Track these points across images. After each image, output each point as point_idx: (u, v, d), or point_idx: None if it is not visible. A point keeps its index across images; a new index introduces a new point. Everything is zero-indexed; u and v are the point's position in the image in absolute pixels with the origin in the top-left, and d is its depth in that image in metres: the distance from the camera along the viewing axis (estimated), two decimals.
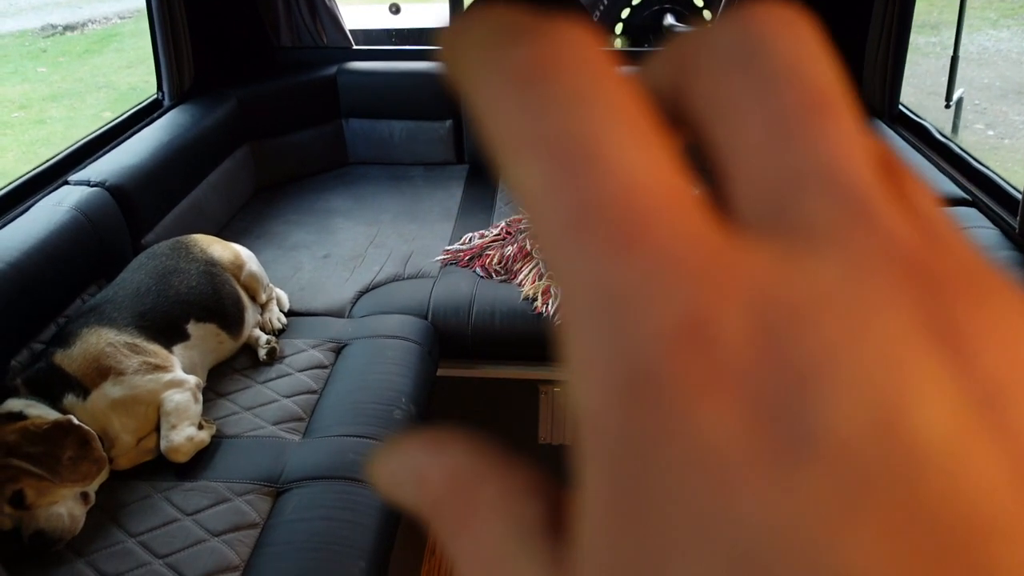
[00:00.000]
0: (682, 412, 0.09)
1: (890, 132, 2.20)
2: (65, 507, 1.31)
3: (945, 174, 1.94)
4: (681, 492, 0.08)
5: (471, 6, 0.13)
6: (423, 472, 0.12)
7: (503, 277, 2.12)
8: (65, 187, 1.86)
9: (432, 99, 2.73)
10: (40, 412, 1.38)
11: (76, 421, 1.37)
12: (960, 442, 0.08)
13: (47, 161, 1.91)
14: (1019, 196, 1.66)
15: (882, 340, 0.09)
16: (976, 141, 5.15)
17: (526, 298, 2.02)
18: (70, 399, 1.43)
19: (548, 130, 0.10)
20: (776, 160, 0.10)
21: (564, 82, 0.10)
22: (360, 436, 1.56)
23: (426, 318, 1.99)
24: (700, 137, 0.11)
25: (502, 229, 2.31)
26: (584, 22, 0.11)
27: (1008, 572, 0.08)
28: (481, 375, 2.02)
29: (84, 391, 1.44)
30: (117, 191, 1.88)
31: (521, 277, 2.10)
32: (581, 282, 0.09)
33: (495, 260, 2.17)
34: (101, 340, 1.50)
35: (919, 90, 5.97)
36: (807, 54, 0.10)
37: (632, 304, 0.09)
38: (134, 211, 1.92)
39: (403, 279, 2.13)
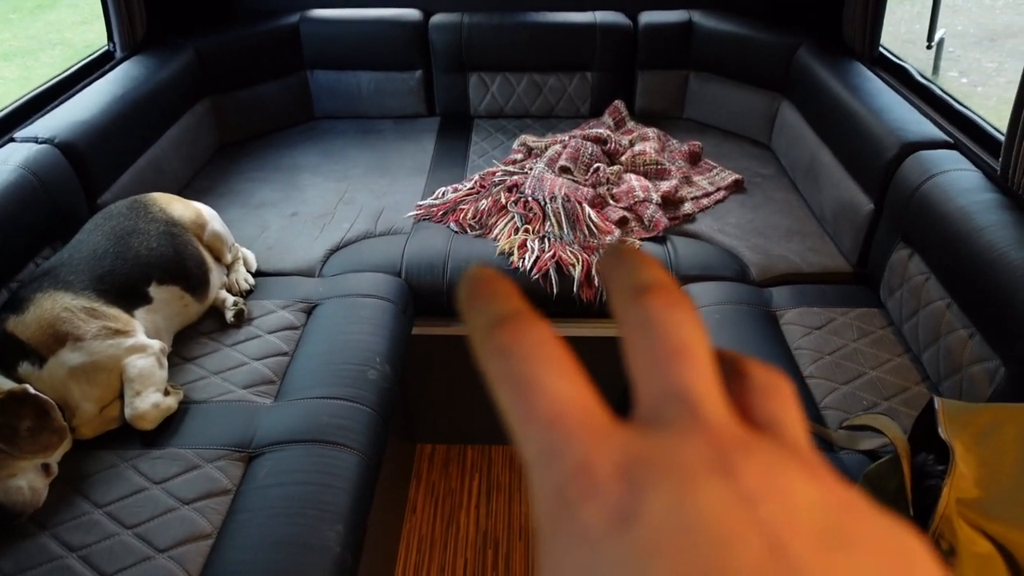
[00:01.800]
0: (575, 512, 0.16)
1: (870, 74, 2.15)
2: (25, 479, 1.25)
3: (927, 116, 1.91)
4: (573, 556, 0.15)
5: (469, 278, 0.20)
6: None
7: (478, 232, 2.06)
8: (11, 144, 1.75)
9: (400, 48, 2.62)
10: None
11: (32, 390, 1.31)
12: (729, 523, 0.14)
13: None
14: (1001, 138, 1.63)
15: (686, 470, 0.15)
16: (950, 88, 5.14)
17: (502, 252, 1.97)
18: (25, 367, 1.36)
19: (511, 373, 0.18)
20: (653, 384, 0.18)
21: (521, 349, 0.18)
22: (333, 398, 1.51)
23: (399, 275, 1.94)
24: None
25: (476, 183, 2.24)
26: (533, 314, 0.19)
27: None
28: (458, 332, 1.98)
29: (40, 359, 1.37)
30: (67, 148, 1.77)
31: (496, 231, 2.05)
32: (530, 447, 0.17)
33: (469, 215, 2.10)
34: (56, 305, 1.42)
35: (895, 38, 5.91)
36: (680, 321, 0.18)
37: (554, 455, 0.17)
38: (87, 169, 1.82)
39: (375, 236, 2.07)
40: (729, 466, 0.15)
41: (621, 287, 0.19)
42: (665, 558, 0.14)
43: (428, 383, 2.09)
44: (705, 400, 0.17)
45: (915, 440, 1.13)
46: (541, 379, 0.17)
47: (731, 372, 0.19)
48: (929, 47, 2.39)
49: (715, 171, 2.36)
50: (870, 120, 1.92)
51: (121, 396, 1.44)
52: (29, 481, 1.26)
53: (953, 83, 5.42)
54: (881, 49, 2.26)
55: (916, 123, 1.86)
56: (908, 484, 0.95)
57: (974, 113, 1.84)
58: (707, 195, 2.24)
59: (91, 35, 6.54)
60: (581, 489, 0.16)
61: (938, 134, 1.82)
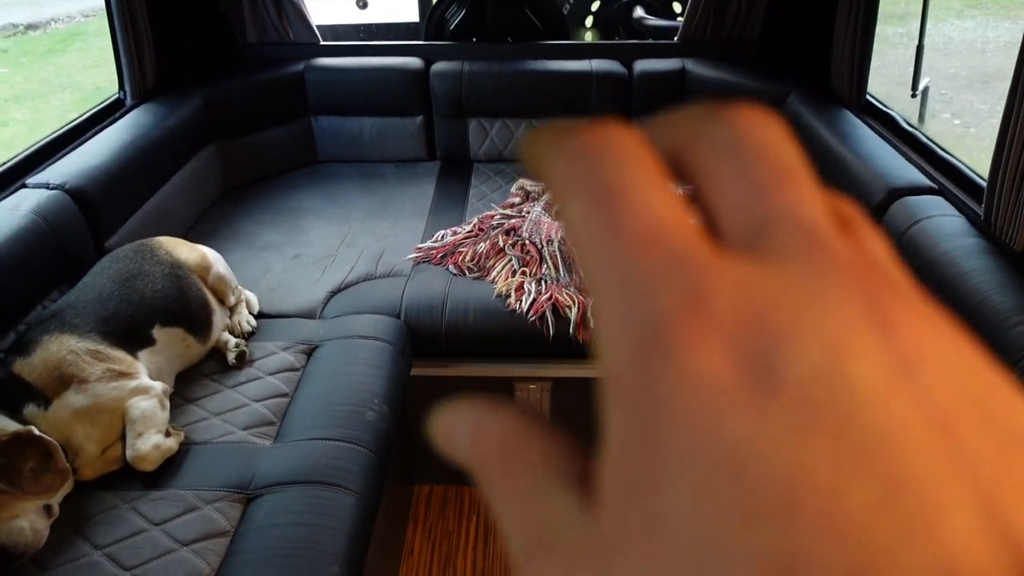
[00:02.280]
0: (684, 359, 0.12)
1: (857, 121, 2.21)
2: (27, 520, 1.27)
3: (912, 163, 1.96)
4: (682, 415, 0.12)
5: (537, 129, 0.17)
6: (479, 428, 0.16)
7: (476, 274, 2.11)
8: (23, 190, 1.80)
9: (402, 95, 2.70)
10: None
11: (37, 432, 1.33)
12: (884, 388, 0.12)
13: (3, 164, 1.85)
14: (984, 184, 1.68)
15: (832, 316, 0.12)
16: (943, 131, 5.22)
17: (499, 295, 2.01)
18: (31, 409, 1.39)
19: (589, 178, 0.14)
20: (753, 210, 0.14)
21: (602, 153, 0.14)
22: (332, 439, 1.53)
23: (399, 317, 1.97)
24: (695, 189, 0.15)
25: (475, 226, 2.29)
26: (620, 122, 0.15)
27: (914, 478, 0.11)
28: (456, 374, 2.01)
29: (45, 401, 1.40)
30: (77, 193, 1.83)
31: (494, 274, 2.09)
32: (609, 273, 0.13)
33: (468, 257, 2.15)
34: (62, 347, 1.46)
35: (888, 80, 6.04)
36: (773, 142, 0.15)
37: (647, 287, 0.13)
38: (96, 214, 1.87)
39: (375, 278, 2.11)
40: (883, 315, 0.12)
41: (688, 119, 0.16)
42: (818, 440, 0.11)
43: (426, 424, 2.10)
44: (824, 227, 0.14)
45: None
46: (636, 188, 0.14)
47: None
48: (914, 95, 2.46)
49: None
50: (857, 166, 1.98)
51: (123, 437, 1.46)
52: (31, 522, 1.28)
53: (946, 125, 5.51)
54: (868, 97, 2.33)
55: (902, 169, 1.92)
56: None
57: (957, 160, 1.89)
58: None
59: (101, 78, 6.69)
60: (696, 330, 0.12)
61: (923, 180, 1.87)
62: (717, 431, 0.11)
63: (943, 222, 1.69)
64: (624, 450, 0.12)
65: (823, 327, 0.12)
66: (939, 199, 1.79)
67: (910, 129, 2.10)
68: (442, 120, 2.74)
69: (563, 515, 0.13)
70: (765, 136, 0.15)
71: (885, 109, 2.22)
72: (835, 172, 2.06)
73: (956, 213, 1.73)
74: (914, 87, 2.42)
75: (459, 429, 0.16)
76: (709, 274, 0.13)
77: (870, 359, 0.12)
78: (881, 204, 1.83)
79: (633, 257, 0.13)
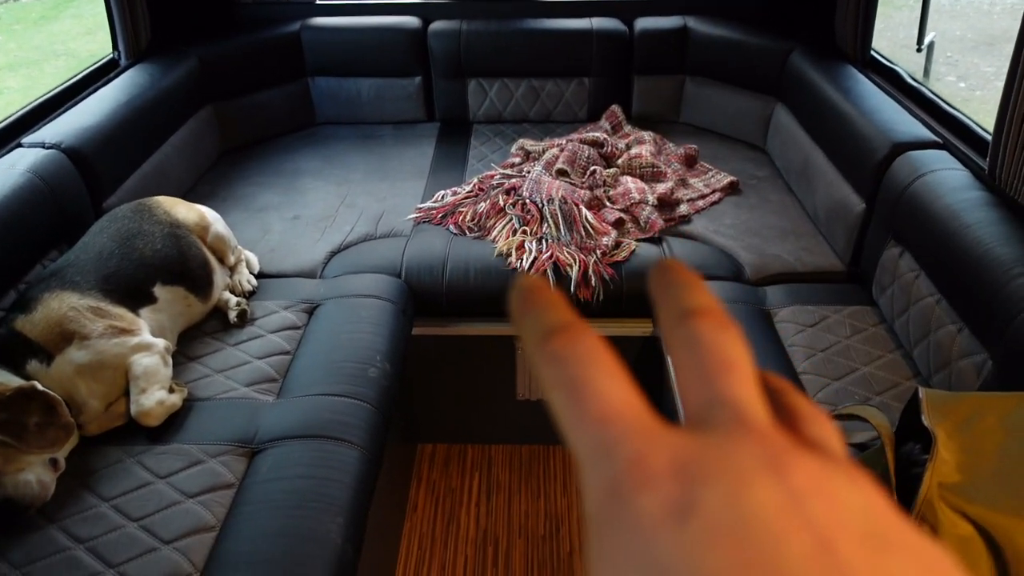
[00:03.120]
0: (629, 502, 0.16)
1: (861, 77, 2.18)
2: (33, 474, 1.29)
3: (917, 118, 1.94)
4: (628, 541, 0.16)
5: (519, 288, 0.22)
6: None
7: (476, 234, 2.10)
8: (18, 150, 1.79)
9: (400, 55, 2.66)
10: (2, 379, 1.34)
11: (40, 387, 1.34)
12: (774, 513, 0.15)
13: None
14: (988, 138, 1.66)
15: (738, 467, 0.16)
16: (948, 93, 5.16)
17: (500, 254, 2.00)
18: (33, 365, 1.39)
19: (565, 378, 0.19)
20: (701, 395, 0.19)
21: (575, 355, 0.19)
22: (334, 395, 1.54)
23: (399, 277, 1.97)
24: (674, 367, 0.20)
25: (474, 186, 2.28)
26: (583, 323, 0.20)
27: None
28: (457, 333, 2.01)
29: (48, 357, 1.41)
30: (73, 153, 1.81)
31: (495, 233, 2.08)
32: (582, 444, 0.18)
33: (468, 217, 2.14)
34: (63, 304, 1.46)
35: (893, 43, 5.96)
36: (727, 341, 0.20)
37: (606, 452, 0.17)
38: (93, 174, 1.86)
39: (375, 238, 2.10)
40: (780, 465, 0.16)
41: (670, 308, 0.21)
42: (720, 551, 0.15)
43: (428, 383, 2.11)
44: (753, 407, 0.18)
45: (903, 431, 1.16)
46: (595, 382, 0.19)
47: (776, 399, 0.20)
48: (919, 50, 2.42)
49: (711, 173, 2.39)
50: (861, 122, 1.96)
51: (127, 393, 1.47)
52: (37, 475, 1.29)
53: (952, 87, 5.45)
54: (873, 53, 2.29)
55: (906, 124, 1.90)
56: (892, 470, 0.98)
57: (962, 114, 1.87)
58: (703, 197, 2.27)
59: (95, 46, 6.61)
60: (637, 480, 0.16)
61: (927, 134, 1.85)
62: (652, 548, 0.15)
63: (947, 176, 1.68)
64: (597, 561, 0.17)
65: (731, 473, 0.16)
66: (943, 153, 1.78)
67: (915, 84, 2.07)
68: (441, 80, 2.70)
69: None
70: (718, 335, 0.20)
71: (890, 64, 2.19)
72: (839, 128, 2.04)
73: (960, 167, 1.72)
74: (919, 41, 2.38)
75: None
76: (649, 442, 0.17)
77: (764, 493, 0.15)
78: (885, 159, 1.82)
79: (596, 431, 0.18)
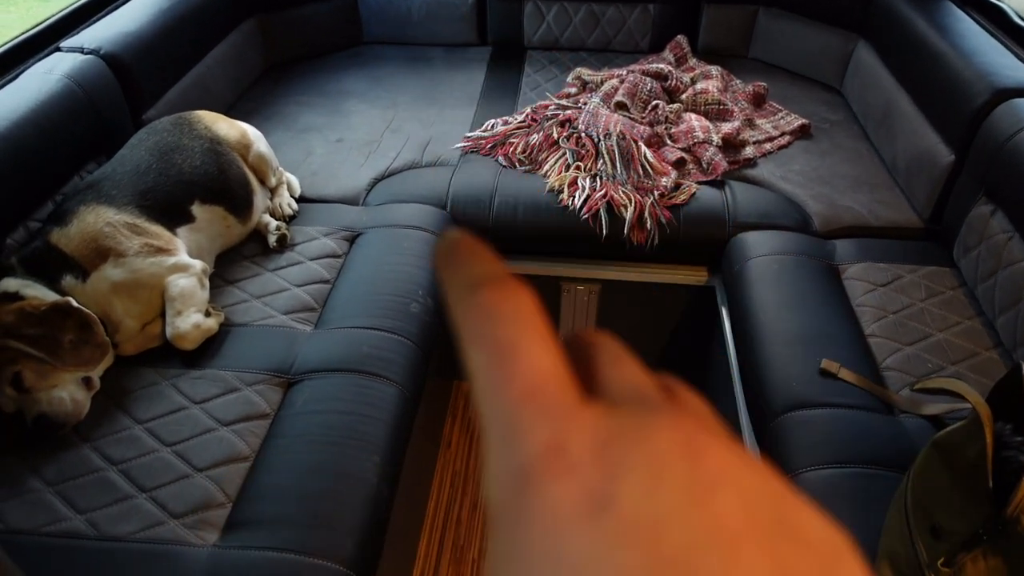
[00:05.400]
0: (543, 491, 0.15)
1: (961, 14, 1.98)
2: (67, 391, 1.26)
3: (1023, 62, 1.75)
4: (539, 534, 0.15)
5: (446, 240, 0.20)
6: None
7: (527, 167, 1.99)
8: (56, 54, 1.71)
9: None
10: (37, 293, 1.30)
11: (75, 304, 1.30)
12: (686, 507, 0.15)
13: (35, 26, 1.75)
14: None
15: (654, 452, 0.16)
16: None
17: (551, 190, 1.89)
18: (69, 280, 1.35)
19: (491, 335, 0.18)
20: (614, 380, 0.19)
21: (506, 312, 0.18)
22: (375, 328, 1.48)
23: (444, 208, 1.88)
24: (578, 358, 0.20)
25: (527, 116, 2.15)
26: (514, 280, 0.19)
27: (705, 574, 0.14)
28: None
29: (83, 272, 1.36)
30: (113, 60, 1.73)
31: (547, 168, 1.97)
32: (496, 420, 0.17)
33: (519, 149, 2.02)
34: (100, 219, 1.40)
35: None
36: (607, 341, 0.21)
37: (522, 433, 0.16)
38: (132, 83, 1.78)
39: (421, 167, 2.00)
40: (693, 451, 0.16)
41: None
42: (636, 550, 0.14)
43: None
44: (654, 392, 0.19)
45: (992, 409, 1.05)
46: (523, 346, 0.17)
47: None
48: None
49: (780, 115, 2.22)
50: (959, 64, 1.77)
51: (163, 315, 1.43)
52: (71, 393, 1.26)
53: None
54: None
55: (1011, 68, 1.71)
56: (989, 453, 0.88)
57: None
58: (770, 139, 2.11)
59: None
60: (553, 468, 0.15)
61: None
62: (561, 545, 0.15)
63: None
64: (501, 561, 0.15)
65: (646, 461, 0.15)
66: None
67: (1022, 23, 1.87)
68: (495, 1, 2.54)
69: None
70: (603, 338, 0.20)
71: (994, 0, 1.98)
72: (931, 70, 1.85)
73: None
74: None
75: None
76: (570, 423, 0.16)
77: (679, 483, 0.15)
78: (985, 105, 1.64)
79: (515, 408, 0.17)
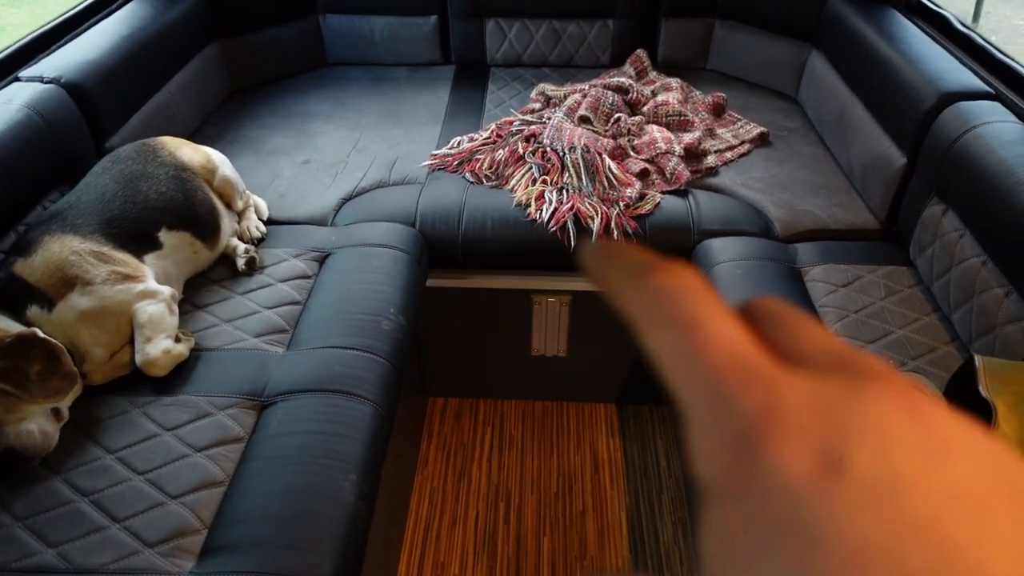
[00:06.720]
0: (769, 456, 0.15)
1: (907, 22, 2.05)
2: (36, 424, 1.24)
3: (966, 66, 1.82)
4: (772, 501, 0.14)
5: (594, 244, 0.21)
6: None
7: (494, 182, 2.01)
8: (15, 84, 1.70)
9: None
10: (2, 324, 1.28)
11: (42, 334, 1.28)
12: (923, 471, 0.14)
13: None
14: None
15: (878, 414, 0.15)
16: (998, 30, 4.88)
17: (519, 204, 1.92)
18: (34, 311, 1.34)
19: (673, 316, 0.17)
20: (790, 344, 0.18)
21: (678, 291, 0.18)
22: (347, 348, 1.48)
23: (413, 226, 1.89)
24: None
25: (492, 132, 2.18)
26: (681, 262, 0.19)
27: (961, 542, 0.13)
28: (472, 285, 1.94)
29: (49, 302, 1.35)
30: (73, 88, 1.72)
31: (513, 182, 1.99)
32: (699, 392, 0.16)
33: (485, 165, 2.05)
34: (65, 248, 1.39)
35: None
36: (802, 322, 0.19)
37: (735, 400, 0.16)
38: (94, 111, 1.77)
39: (388, 185, 2.02)
40: (919, 417, 0.15)
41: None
42: (879, 516, 0.14)
43: (441, 336, 2.06)
44: (853, 354, 0.18)
45: (949, 400, 1.09)
46: (708, 320, 0.17)
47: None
48: None
49: (739, 124, 2.28)
50: (906, 69, 1.84)
51: (132, 342, 1.41)
52: (40, 425, 1.24)
53: (1006, 24, 5.20)
54: None
55: (955, 73, 1.78)
56: None
57: (1015, 62, 1.75)
58: (731, 148, 2.16)
59: None
60: (777, 432, 0.15)
61: (979, 84, 1.74)
62: (799, 511, 0.14)
63: (1000, 129, 1.57)
64: (729, 535, 0.15)
65: (873, 424, 0.15)
66: (995, 104, 1.67)
67: (964, 30, 1.94)
68: (457, 20, 2.57)
69: None
70: (782, 306, 0.19)
71: (937, 8, 2.06)
72: (881, 76, 1.92)
73: (1014, 119, 1.61)
74: None
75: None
76: (780, 387, 0.16)
77: (911, 447, 0.15)
78: (932, 110, 1.71)
79: (720, 377, 0.16)
